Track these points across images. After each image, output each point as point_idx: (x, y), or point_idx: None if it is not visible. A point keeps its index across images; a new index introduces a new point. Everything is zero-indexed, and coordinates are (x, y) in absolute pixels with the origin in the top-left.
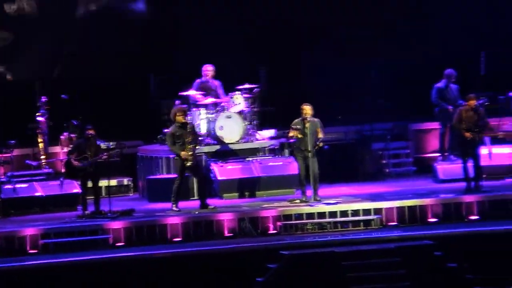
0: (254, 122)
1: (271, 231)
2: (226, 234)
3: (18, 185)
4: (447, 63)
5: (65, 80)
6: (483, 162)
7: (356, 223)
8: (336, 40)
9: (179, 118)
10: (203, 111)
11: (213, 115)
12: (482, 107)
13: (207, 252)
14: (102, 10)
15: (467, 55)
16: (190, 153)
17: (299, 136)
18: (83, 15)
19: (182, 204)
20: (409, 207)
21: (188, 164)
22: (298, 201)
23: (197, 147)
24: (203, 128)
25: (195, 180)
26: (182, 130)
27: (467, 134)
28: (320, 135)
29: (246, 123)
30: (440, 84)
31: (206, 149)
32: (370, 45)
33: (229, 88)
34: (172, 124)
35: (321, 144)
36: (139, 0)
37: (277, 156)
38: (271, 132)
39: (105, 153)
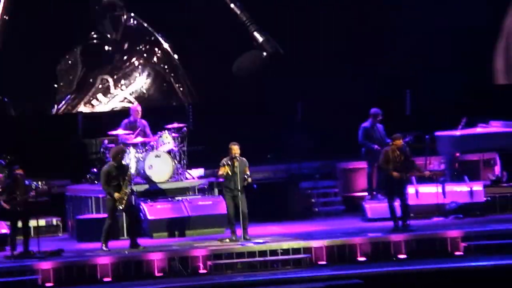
0: (183, 161)
1: (201, 271)
2: (157, 274)
3: None
4: (373, 102)
5: None
6: (410, 201)
7: (285, 262)
8: (261, 78)
9: (119, 158)
10: (132, 150)
11: (142, 154)
12: (407, 145)
13: None
14: None
15: (393, 94)
16: (125, 197)
17: (230, 173)
18: None
19: (112, 243)
20: (338, 246)
21: (121, 207)
22: (228, 240)
23: (132, 190)
24: (132, 168)
25: (125, 219)
26: (119, 171)
27: (395, 174)
28: (248, 172)
29: (175, 162)
30: (366, 124)
31: (135, 188)
32: (297, 83)
33: (157, 127)
34: (102, 163)
35: (249, 180)
36: None
37: (206, 195)
38: (200, 171)
39: (33, 191)
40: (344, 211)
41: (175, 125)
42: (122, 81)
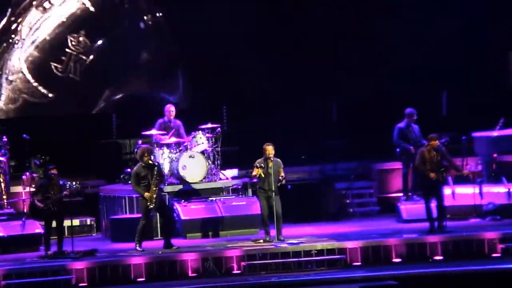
0: (217, 161)
1: (235, 271)
2: (190, 274)
3: None
4: (409, 103)
5: (27, 120)
6: (447, 202)
7: (320, 263)
8: (298, 78)
9: (146, 158)
10: (166, 150)
11: (176, 155)
12: (444, 146)
13: None
14: None
15: (429, 95)
16: (154, 195)
17: (262, 175)
18: None
19: (146, 244)
20: (373, 247)
21: (151, 206)
22: (261, 241)
23: (161, 189)
24: (166, 168)
25: (159, 219)
26: (148, 170)
27: (432, 175)
28: (282, 174)
29: (209, 162)
30: (401, 124)
31: (169, 188)
32: (331, 84)
33: (191, 128)
34: (135, 163)
35: (284, 181)
36: None
37: (240, 196)
38: (234, 172)
39: (66, 191)
40: (379, 212)
41: (209, 125)
42: None
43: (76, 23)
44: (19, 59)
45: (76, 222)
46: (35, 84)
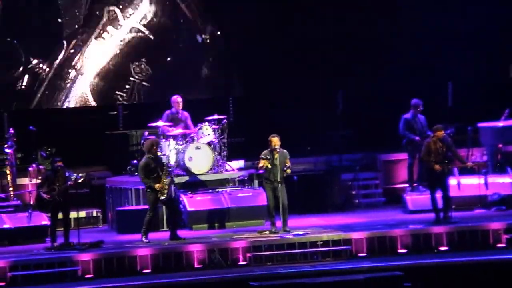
0: (223, 153)
1: (241, 262)
2: (196, 265)
3: None
4: (414, 94)
5: (33, 112)
6: (452, 193)
7: (325, 254)
8: (303, 71)
9: (154, 150)
10: (172, 142)
11: (182, 146)
12: (449, 137)
13: (177, 283)
14: None
15: (435, 85)
16: (166, 186)
17: (269, 166)
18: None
19: (152, 235)
20: (378, 237)
21: (162, 197)
22: (267, 232)
23: (173, 180)
24: (172, 159)
25: (165, 211)
26: (156, 162)
27: (437, 167)
28: (289, 163)
29: (215, 154)
30: (407, 115)
31: (175, 180)
32: (336, 75)
33: (197, 119)
34: (142, 155)
35: (289, 171)
36: None
37: (246, 187)
38: (240, 163)
39: (71, 181)
40: (385, 203)
41: (216, 116)
42: (129, 10)
43: (137, 51)
44: (83, 89)
45: (82, 213)
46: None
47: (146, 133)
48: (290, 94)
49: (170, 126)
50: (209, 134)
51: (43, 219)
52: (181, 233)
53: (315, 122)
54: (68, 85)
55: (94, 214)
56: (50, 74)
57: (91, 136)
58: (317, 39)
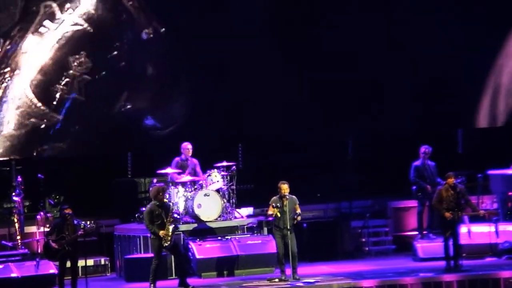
0: (232, 200)
1: None
2: None
3: None
4: (424, 141)
5: (41, 159)
6: (463, 240)
7: None
8: (312, 114)
9: (161, 197)
10: (181, 189)
11: (191, 193)
12: (462, 185)
13: None
14: None
15: (445, 133)
16: (169, 233)
17: (278, 215)
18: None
19: (161, 283)
20: (389, 285)
21: (166, 244)
22: (277, 280)
23: (177, 227)
24: (181, 206)
25: (173, 259)
26: (161, 209)
27: (447, 214)
28: (298, 210)
29: (224, 201)
30: (417, 162)
31: (184, 227)
32: (347, 120)
33: (206, 166)
34: (149, 203)
35: (299, 218)
36: None
37: (255, 234)
38: (249, 210)
39: (81, 230)
40: (395, 251)
41: (224, 163)
42: (67, 5)
43: (76, 44)
44: (22, 85)
45: (90, 262)
46: (43, 107)
47: (155, 180)
48: (301, 140)
49: (179, 173)
50: (218, 181)
51: (51, 268)
52: (190, 281)
53: (325, 168)
54: (7, 81)
55: (102, 262)
56: None
57: (99, 184)
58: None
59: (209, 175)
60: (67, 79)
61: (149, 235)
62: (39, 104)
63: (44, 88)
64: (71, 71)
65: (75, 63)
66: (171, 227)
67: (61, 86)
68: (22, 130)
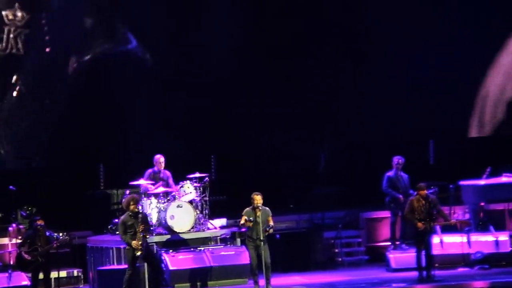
0: (205, 211)
1: None
2: None
3: None
4: (396, 152)
5: (12, 171)
6: (435, 251)
7: None
8: (283, 126)
9: (132, 207)
10: (154, 200)
11: (164, 205)
12: (433, 195)
13: None
14: None
15: (416, 143)
16: (140, 242)
17: (251, 224)
18: None
19: None
20: None
21: (138, 253)
22: None
23: (148, 237)
24: (154, 218)
25: (146, 270)
26: (134, 219)
27: (419, 225)
28: (271, 223)
29: (197, 212)
30: (390, 173)
31: (157, 238)
32: (319, 132)
33: (179, 177)
34: (123, 214)
35: (271, 231)
36: None
37: (228, 245)
38: (222, 221)
39: (55, 242)
40: (367, 261)
41: (197, 175)
42: None
43: None
44: None
45: (63, 273)
46: None
47: (128, 191)
48: (273, 151)
49: (152, 184)
50: (190, 192)
51: (23, 279)
52: None
53: (297, 179)
54: None
55: (75, 274)
56: None
57: (72, 195)
58: (299, 96)
59: (182, 187)
60: (2, 35)
61: (122, 246)
62: None
63: None
64: (5, 26)
65: (10, 17)
66: (142, 236)
67: None
68: None
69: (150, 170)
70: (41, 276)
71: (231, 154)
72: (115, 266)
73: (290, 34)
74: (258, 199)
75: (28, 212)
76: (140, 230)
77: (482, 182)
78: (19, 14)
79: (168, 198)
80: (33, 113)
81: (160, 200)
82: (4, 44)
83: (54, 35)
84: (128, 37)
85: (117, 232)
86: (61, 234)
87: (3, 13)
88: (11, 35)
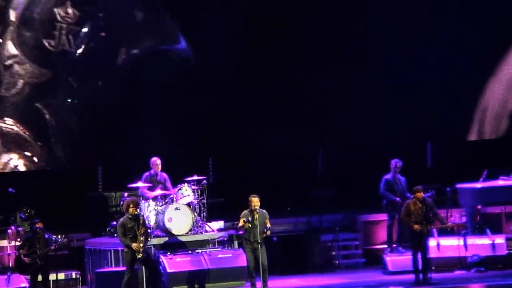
0: (203, 213)
1: None
2: None
3: None
4: (394, 155)
5: (12, 173)
6: (432, 254)
7: None
8: (281, 128)
9: (132, 210)
10: (152, 203)
11: (161, 207)
12: (430, 198)
13: None
14: None
15: (414, 146)
16: (141, 245)
17: (249, 226)
18: None
19: None
20: None
21: (139, 256)
22: None
23: (149, 240)
24: (152, 220)
25: (144, 273)
26: (134, 222)
27: (416, 227)
28: (268, 225)
29: (195, 214)
30: (388, 176)
31: (155, 241)
32: (316, 135)
33: (177, 180)
34: (121, 216)
35: (268, 233)
36: None
37: (226, 248)
38: (219, 224)
39: (53, 245)
40: (365, 264)
41: (195, 177)
42: None
43: None
44: (12, 43)
45: (61, 275)
46: (33, 64)
47: (126, 194)
48: (272, 153)
49: (149, 187)
50: (188, 195)
51: (22, 282)
52: None
53: (295, 181)
54: None
55: (73, 276)
56: None
57: (70, 198)
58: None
59: (180, 189)
60: (55, 32)
61: (120, 248)
62: (29, 61)
63: (32, 44)
64: (57, 23)
65: (62, 14)
66: (142, 239)
67: (49, 40)
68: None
69: (146, 173)
70: (39, 278)
71: (230, 154)
72: (113, 269)
73: (290, 34)
74: (255, 201)
75: (27, 214)
76: (142, 232)
77: (479, 185)
78: (70, 11)
79: (166, 200)
80: None
81: (158, 203)
82: (56, 41)
83: (106, 28)
84: None
85: (116, 235)
86: (59, 237)
87: (55, 10)
88: (63, 32)
